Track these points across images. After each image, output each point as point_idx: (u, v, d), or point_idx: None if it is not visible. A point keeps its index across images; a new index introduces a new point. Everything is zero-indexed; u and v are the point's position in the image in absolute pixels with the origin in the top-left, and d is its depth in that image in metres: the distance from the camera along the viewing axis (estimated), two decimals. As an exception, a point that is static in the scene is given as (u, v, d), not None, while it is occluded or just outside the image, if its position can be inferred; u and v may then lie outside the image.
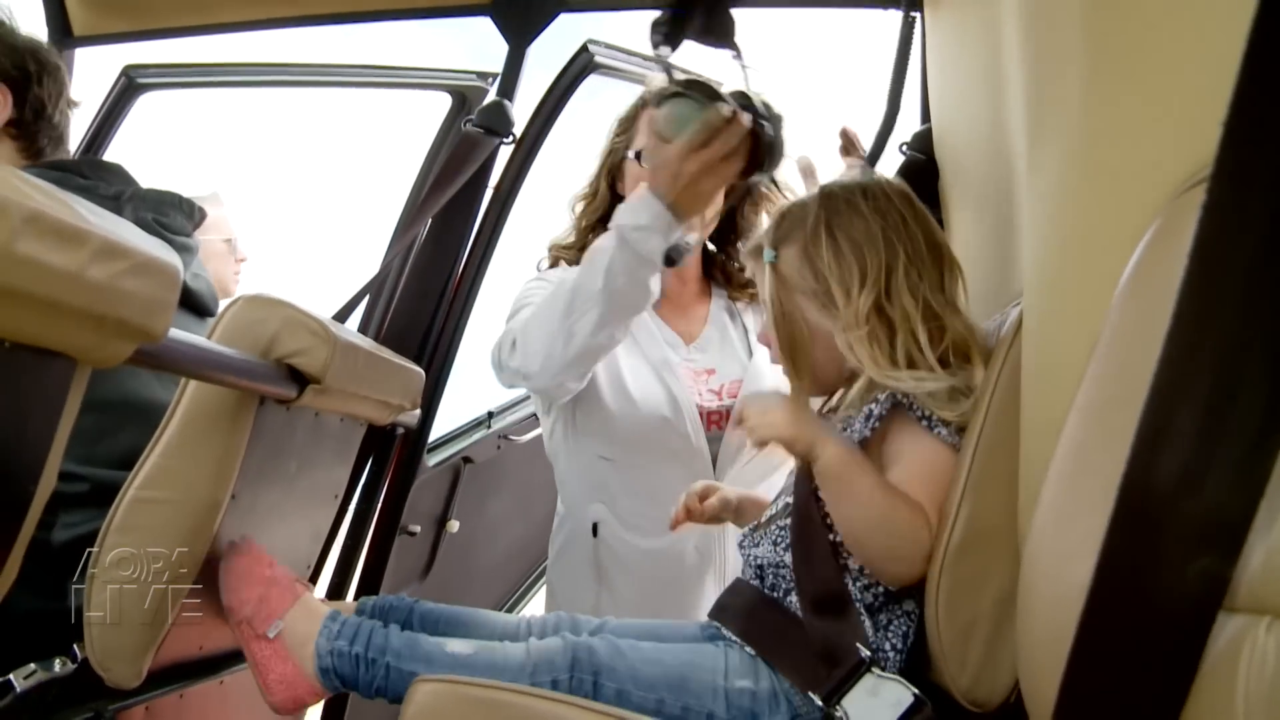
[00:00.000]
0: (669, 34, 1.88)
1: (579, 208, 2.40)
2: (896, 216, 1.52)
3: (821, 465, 1.44)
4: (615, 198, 2.34)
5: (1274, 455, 0.63)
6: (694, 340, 2.38)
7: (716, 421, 2.29)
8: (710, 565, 2.26)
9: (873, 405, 1.46)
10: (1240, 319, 0.63)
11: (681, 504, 1.86)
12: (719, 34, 1.90)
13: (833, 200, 1.55)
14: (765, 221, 2.23)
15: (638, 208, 1.93)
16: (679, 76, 1.96)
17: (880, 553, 1.42)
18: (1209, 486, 0.64)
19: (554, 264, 2.41)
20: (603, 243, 2.01)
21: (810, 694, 1.39)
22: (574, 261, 2.33)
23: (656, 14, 1.90)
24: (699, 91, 1.86)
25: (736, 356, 2.36)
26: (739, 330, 2.43)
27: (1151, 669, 0.68)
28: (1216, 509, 0.64)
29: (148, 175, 2.17)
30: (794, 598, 1.47)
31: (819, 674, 1.39)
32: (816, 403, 1.64)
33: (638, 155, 2.27)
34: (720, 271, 2.48)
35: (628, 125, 2.36)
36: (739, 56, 1.92)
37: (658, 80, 2.29)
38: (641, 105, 2.35)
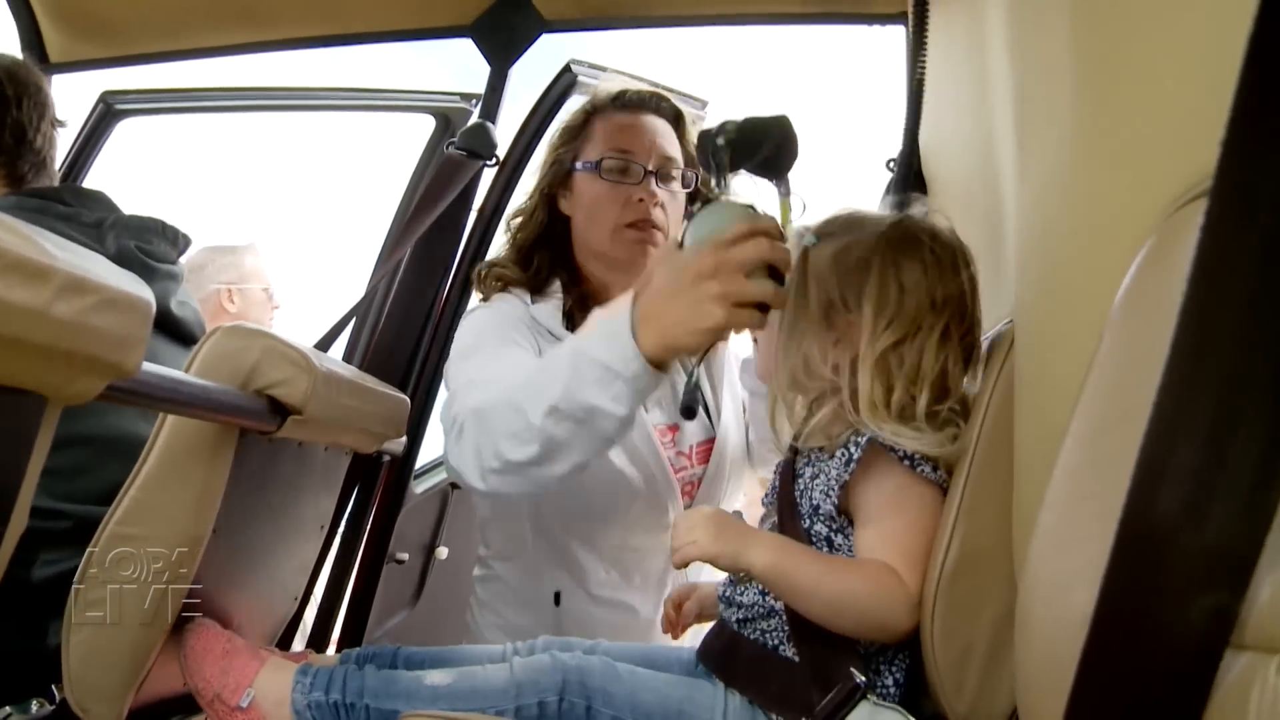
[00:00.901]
0: (736, 154, 1.51)
1: (515, 224, 2.22)
2: (952, 278, 1.43)
3: (757, 574, 1.39)
4: (556, 216, 2.19)
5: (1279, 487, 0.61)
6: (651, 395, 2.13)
7: (689, 491, 2.17)
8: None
9: (851, 447, 1.39)
10: (1242, 346, 0.61)
11: (663, 617, 1.82)
12: (778, 171, 1.55)
13: (904, 232, 1.44)
14: None
15: (608, 331, 1.52)
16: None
17: (852, 628, 1.37)
18: (1213, 520, 0.62)
19: (502, 288, 2.16)
20: (560, 356, 1.61)
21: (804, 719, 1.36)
22: (519, 284, 2.14)
23: (713, 122, 1.56)
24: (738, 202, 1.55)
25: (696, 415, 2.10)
26: (685, 376, 2.16)
27: (1156, 707, 0.66)
28: (1221, 543, 0.62)
29: (130, 202, 2.15)
30: (784, 649, 1.44)
31: (811, 700, 1.36)
32: (787, 433, 1.52)
33: (595, 165, 2.10)
34: None
35: (574, 134, 2.19)
36: (787, 193, 1.55)
37: (608, 83, 2.24)
38: (590, 112, 2.20)
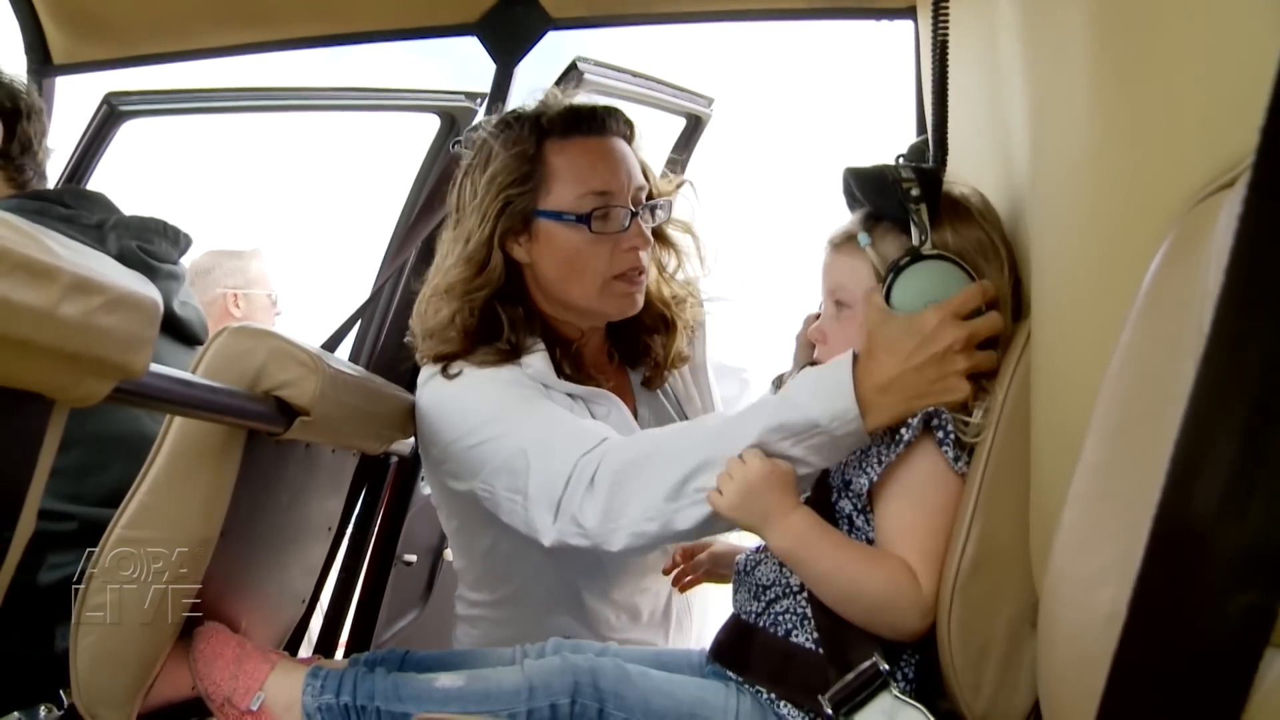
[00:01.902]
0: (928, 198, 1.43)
1: (457, 277, 1.87)
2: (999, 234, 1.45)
3: (773, 545, 1.41)
4: (512, 265, 1.90)
5: (1320, 482, 0.60)
6: (631, 429, 1.96)
7: None
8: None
9: (902, 429, 1.40)
10: (1278, 340, 0.60)
11: (670, 563, 1.80)
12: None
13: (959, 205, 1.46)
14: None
15: (824, 391, 1.44)
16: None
17: (860, 618, 1.38)
18: (1252, 515, 0.60)
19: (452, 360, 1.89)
20: (760, 408, 1.52)
21: (820, 698, 1.35)
22: (489, 358, 1.86)
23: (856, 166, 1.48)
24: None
25: None
26: (674, 407, 2.09)
27: (1193, 707, 0.65)
28: (1260, 539, 0.60)
29: (134, 203, 2.15)
30: (797, 635, 1.43)
31: (828, 678, 1.36)
32: None
33: (581, 218, 1.84)
34: (633, 348, 2.08)
35: (526, 168, 1.87)
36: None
37: (554, 98, 1.96)
38: (540, 136, 1.89)
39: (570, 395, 1.88)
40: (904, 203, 1.41)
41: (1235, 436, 0.61)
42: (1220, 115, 0.83)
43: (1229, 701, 0.63)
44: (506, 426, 1.74)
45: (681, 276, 2.07)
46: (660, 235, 2.02)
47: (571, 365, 1.94)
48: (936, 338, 1.38)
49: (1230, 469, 0.61)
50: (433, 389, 1.89)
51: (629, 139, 1.97)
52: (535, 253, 1.89)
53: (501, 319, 1.88)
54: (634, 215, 1.88)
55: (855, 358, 1.44)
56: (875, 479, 1.40)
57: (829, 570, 1.38)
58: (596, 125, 1.91)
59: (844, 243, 1.50)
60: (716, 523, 1.52)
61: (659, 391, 2.09)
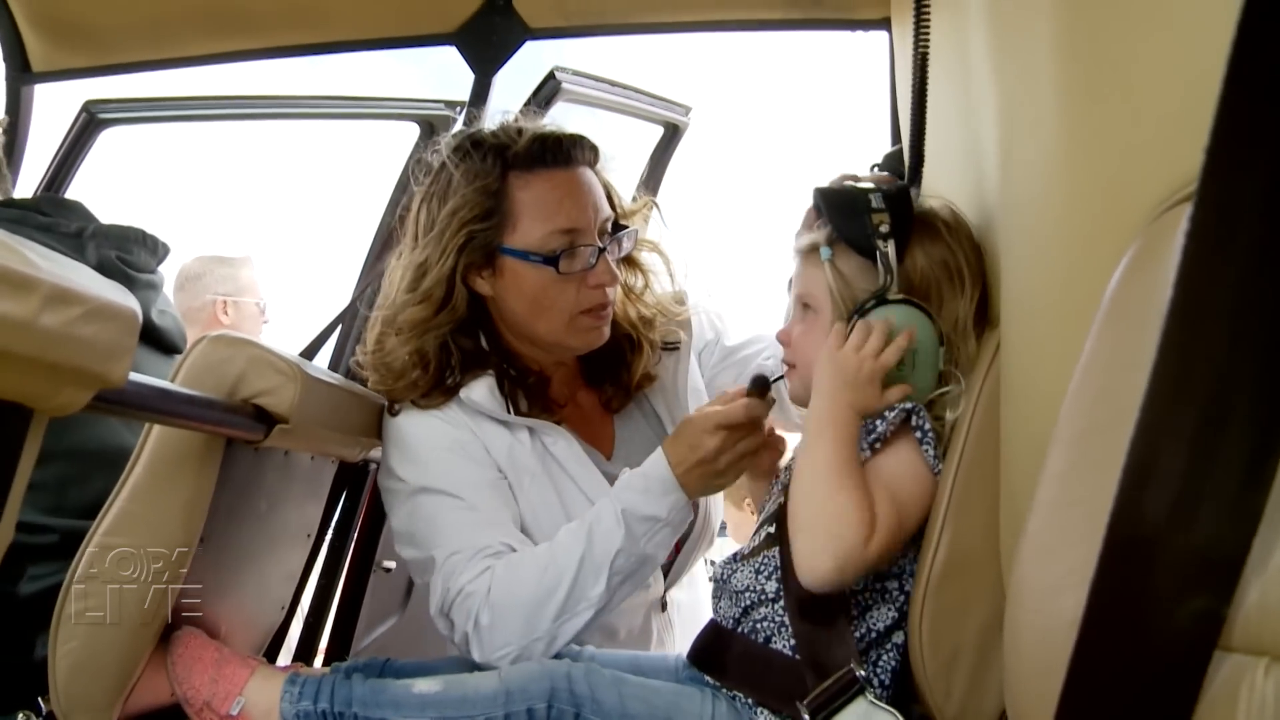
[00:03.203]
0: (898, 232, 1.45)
1: (418, 315, 1.82)
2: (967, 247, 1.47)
3: (816, 407, 1.42)
4: (474, 298, 1.87)
5: (1267, 489, 0.61)
6: (612, 451, 2.01)
7: (669, 555, 1.90)
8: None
9: (879, 421, 1.42)
10: (1228, 349, 0.61)
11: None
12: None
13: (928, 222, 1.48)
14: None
15: (652, 491, 1.66)
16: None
17: (802, 519, 1.37)
18: (1201, 522, 0.62)
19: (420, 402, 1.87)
20: (603, 524, 1.67)
21: (798, 704, 1.36)
22: (435, 397, 1.85)
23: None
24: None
25: None
26: (655, 427, 2.05)
27: (1146, 709, 0.66)
28: (1209, 545, 0.62)
29: (113, 212, 2.15)
30: (776, 641, 1.44)
31: (805, 685, 1.37)
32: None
33: (548, 259, 1.79)
34: (600, 372, 2.05)
35: (492, 204, 1.81)
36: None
37: (512, 126, 1.89)
38: (504, 169, 1.82)
39: (506, 426, 1.87)
40: (871, 236, 1.43)
41: (1185, 445, 0.62)
42: (1181, 129, 0.84)
43: (1179, 703, 0.64)
44: (416, 500, 1.80)
45: (651, 298, 2.05)
46: (627, 258, 1.99)
47: (527, 396, 1.91)
48: (703, 444, 1.63)
49: (1180, 477, 0.62)
50: (385, 417, 1.92)
51: (594, 165, 1.92)
52: (499, 288, 1.85)
53: (453, 353, 1.87)
54: (601, 251, 1.84)
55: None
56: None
57: (831, 458, 1.36)
58: (562, 157, 1.85)
59: (809, 252, 1.51)
60: (592, 624, 1.69)
61: (639, 413, 2.06)
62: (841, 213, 1.46)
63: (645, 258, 2.03)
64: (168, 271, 2.25)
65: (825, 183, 1.53)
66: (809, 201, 1.53)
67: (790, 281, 1.58)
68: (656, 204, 2.04)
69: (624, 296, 2.00)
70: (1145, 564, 0.64)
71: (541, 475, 1.86)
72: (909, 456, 1.40)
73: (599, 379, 2.04)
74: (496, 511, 1.79)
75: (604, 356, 1.99)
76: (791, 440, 1.73)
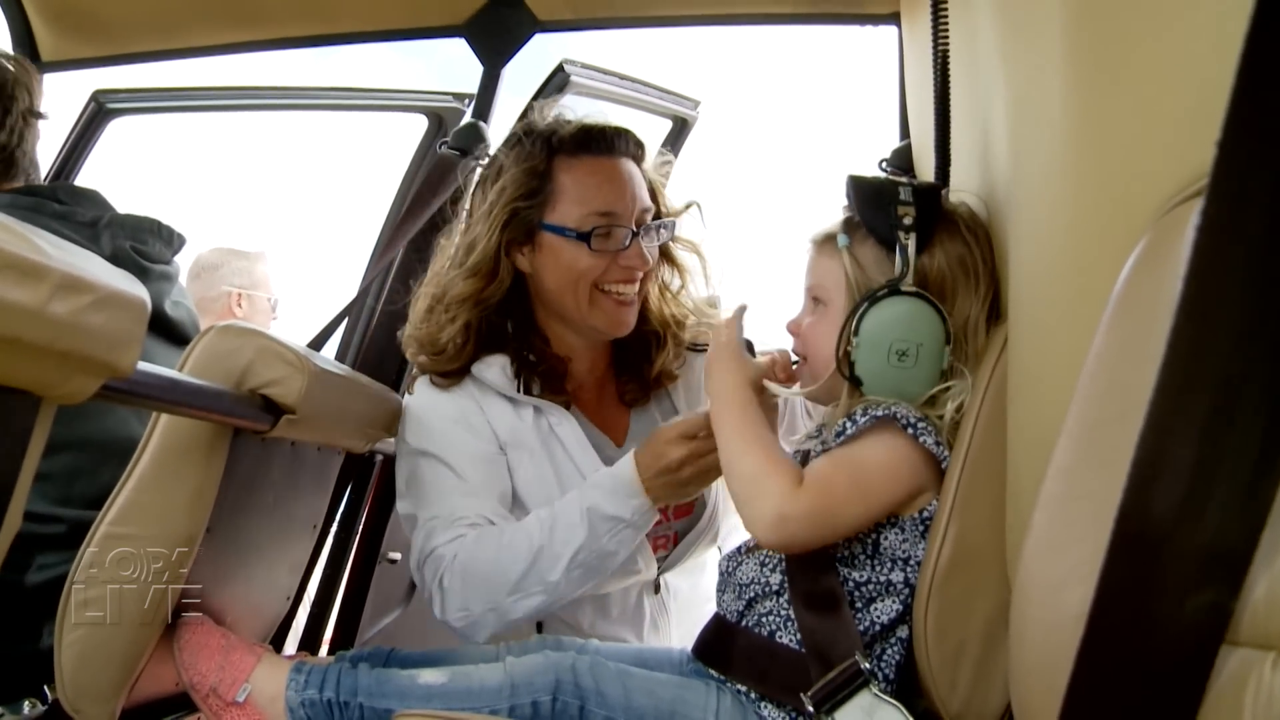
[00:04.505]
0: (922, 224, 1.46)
1: (470, 289, 1.94)
2: (984, 247, 1.48)
3: (710, 389, 1.57)
4: (518, 274, 1.98)
5: (1275, 484, 0.61)
6: (624, 440, 2.07)
7: (664, 544, 2.04)
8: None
9: (848, 424, 1.44)
10: (1237, 344, 0.61)
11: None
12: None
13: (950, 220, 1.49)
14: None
15: (619, 493, 1.74)
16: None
17: (735, 491, 1.47)
18: (1209, 516, 0.62)
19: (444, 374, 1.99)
20: (567, 516, 1.77)
21: (802, 696, 1.36)
22: (448, 370, 1.97)
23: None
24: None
25: None
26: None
27: (1152, 703, 0.66)
28: (1217, 539, 0.62)
29: (122, 202, 2.15)
30: (781, 635, 1.44)
31: (810, 677, 1.37)
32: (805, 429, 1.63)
33: (582, 235, 1.89)
34: (625, 365, 2.11)
35: (534, 182, 1.93)
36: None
37: (566, 116, 2.00)
38: (550, 154, 1.94)
39: (513, 404, 1.97)
40: (894, 227, 1.44)
41: (1194, 439, 0.62)
42: (1191, 125, 0.84)
43: (1186, 697, 0.64)
44: (415, 461, 1.95)
45: (688, 299, 2.11)
46: (667, 254, 2.07)
47: (541, 378, 1.99)
48: (667, 454, 1.71)
49: (1189, 471, 0.62)
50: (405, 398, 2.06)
51: (639, 159, 2.01)
52: (537, 263, 1.95)
53: (483, 332, 1.98)
54: (635, 235, 1.93)
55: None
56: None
57: (734, 427, 1.49)
58: (605, 145, 1.96)
59: (825, 241, 1.53)
60: (550, 609, 1.81)
61: (657, 409, 2.11)
62: (868, 200, 1.48)
63: (685, 260, 2.10)
64: (182, 262, 2.26)
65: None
66: (833, 188, 1.55)
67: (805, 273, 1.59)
68: (699, 205, 2.10)
69: (659, 294, 2.07)
70: (1153, 557, 0.64)
71: (540, 452, 1.96)
72: (882, 438, 1.42)
73: (625, 370, 2.10)
74: (483, 484, 1.91)
75: (632, 348, 2.07)
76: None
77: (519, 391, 1.97)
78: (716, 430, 1.52)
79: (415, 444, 1.95)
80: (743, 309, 1.63)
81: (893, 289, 1.43)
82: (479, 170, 2.07)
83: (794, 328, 1.59)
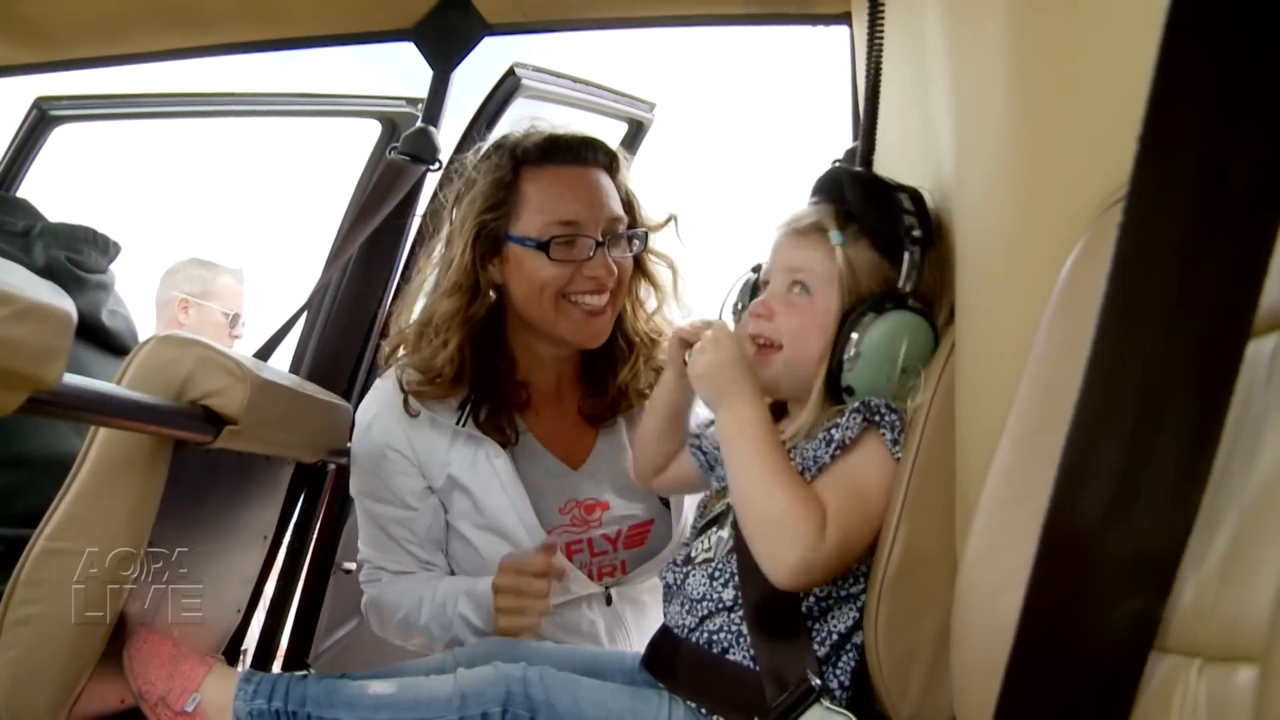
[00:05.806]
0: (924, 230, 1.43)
1: (454, 307, 1.93)
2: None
3: (719, 423, 1.41)
4: (494, 287, 1.97)
5: (1203, 486, 0.61)
6: (581, 464, 2.04)
7: (609, 571, 2.01)
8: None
9: (834, 429, 1.39)
10: (1162, 345, 0.60)
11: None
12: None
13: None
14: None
15: (481, 607, 1.88)
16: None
17: (753, 528, 1.36)
18: (1136, 520, 0.61)
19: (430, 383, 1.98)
20: (446, 612, 1.93)
21: (755, 719, 1.35)
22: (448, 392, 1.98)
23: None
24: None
25: (635, 490, 1.99)
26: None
27: (1082, 710, 0.65)
28: (1145, 544, 0.61)
29: (66, 212, 2.12)
30: (733, 653, 1.42)
31: (761, 696, 1.35)
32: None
33: (541, 245, 1.87)
34: (592, 380, 2.10)
35: (501, 194, 1.92)
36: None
37: (534, 128, 1.98)
38: (516, 164, 1.93)
39: (451, 433, 2.00)
40: (904, 239, 1.40)
41: (1121, 442, 0.61)
42: (1127, 126, 0.84)
43: (1115, 705, 0.63)
44: (359, 500, 2.12)
45: (663, 319, 2.08)
46: (641, 267, 2.04)
47: (490, 411, 1.99)
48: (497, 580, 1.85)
49: (1116, 474, 0.61)
50: None
51: (612, 170, 2.00)
52: (506, 275, 1.94)
53: (475, 352, 1.98)
54: (599, 245, 1.90)
55: None
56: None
57: (755, 464, 1.36)
58: (571, 155, 1.95)
59: (811, 231, 1.47)
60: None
61: (624, 430, 2.07)
62: (875, 205, 1.44)
63: (664, 278, 2.07)
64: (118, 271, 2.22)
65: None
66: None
67: (773, 255, 1.53)
68: (675, 217, 2.08)
69: (632, 308, 2.05)
70: (1081, 563, 0.63)
71: (474, 484, 1.97)
72: (874, 453, 1.38)
73: (591, 384, 2.09)
74: (406, 531, 2.04)
75: (600, 361, 2.05)
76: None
77: (459, 423, 1.97)
78: (732, 463, 1.40)
79: (354, 487, 2.11)
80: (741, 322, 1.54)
81: (899, 301, 1.41)
82: (429, 175, 2.12)
83: (765, 310, 1.49)
